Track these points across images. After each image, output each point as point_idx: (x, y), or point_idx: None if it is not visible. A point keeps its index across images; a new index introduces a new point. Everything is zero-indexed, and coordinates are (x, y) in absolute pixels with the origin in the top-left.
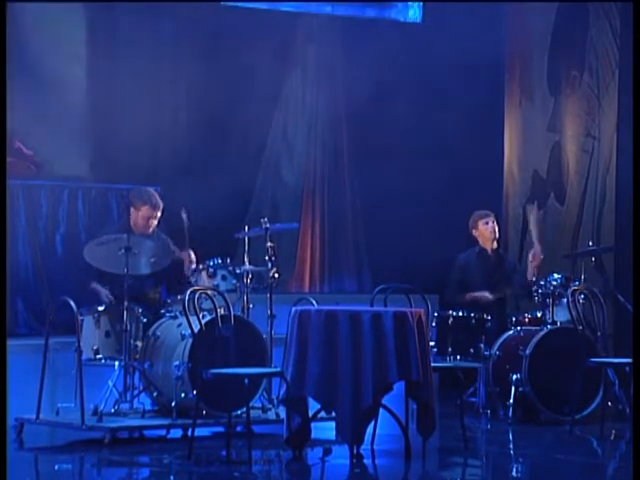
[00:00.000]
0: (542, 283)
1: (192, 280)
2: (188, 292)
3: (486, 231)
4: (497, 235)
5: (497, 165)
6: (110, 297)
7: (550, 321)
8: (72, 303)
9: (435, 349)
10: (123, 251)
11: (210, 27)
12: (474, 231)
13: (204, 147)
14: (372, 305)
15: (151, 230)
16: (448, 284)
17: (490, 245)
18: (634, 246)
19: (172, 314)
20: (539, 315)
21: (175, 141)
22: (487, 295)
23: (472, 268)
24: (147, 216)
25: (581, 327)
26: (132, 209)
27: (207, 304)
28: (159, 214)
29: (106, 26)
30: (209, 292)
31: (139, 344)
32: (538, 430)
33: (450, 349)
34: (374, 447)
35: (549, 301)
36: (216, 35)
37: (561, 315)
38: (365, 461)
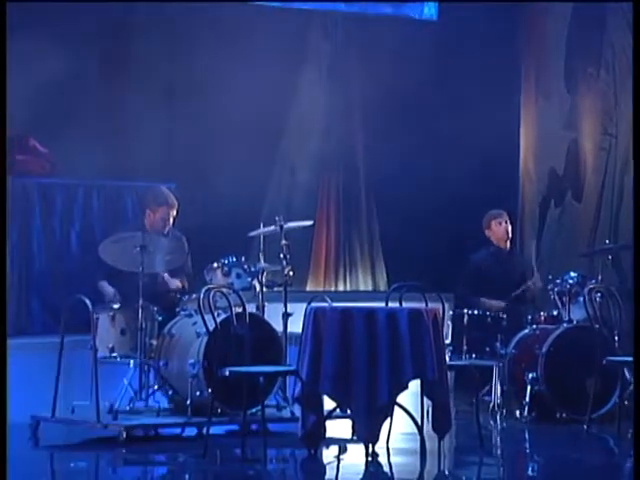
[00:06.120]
0: (558, 282)
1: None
2: (203, 290)
3: (499, 231)
4: (510, 235)
5: (513, 163)
6: (117, 296)
7: (566, 319)
8: (87, 301)
9: (450, 347)
10: (138, 249)
11: (223, 24)
12: (487, 231)
13: (218, 144)
14: (387, 303)
15: (167, 229)
16: (460, 284)
17: (504, 245)
18: (635, 248)
19: (187, 312)
20: (555, 313)
21: (189, 138)
22: (501, 305)
23: (487, 268)
24: (165, 216)
25: (598, 325)
26: (148, 211)
27: (222, 302)
28: (174, 212)
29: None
30: (224, 290)
31: (154, 342)
32: (554, 429)
33: (465, 347)
34: (389, 445)
35: (565, 299)
36: (228, 32)
37: (577, 313)
38: (380, 460)
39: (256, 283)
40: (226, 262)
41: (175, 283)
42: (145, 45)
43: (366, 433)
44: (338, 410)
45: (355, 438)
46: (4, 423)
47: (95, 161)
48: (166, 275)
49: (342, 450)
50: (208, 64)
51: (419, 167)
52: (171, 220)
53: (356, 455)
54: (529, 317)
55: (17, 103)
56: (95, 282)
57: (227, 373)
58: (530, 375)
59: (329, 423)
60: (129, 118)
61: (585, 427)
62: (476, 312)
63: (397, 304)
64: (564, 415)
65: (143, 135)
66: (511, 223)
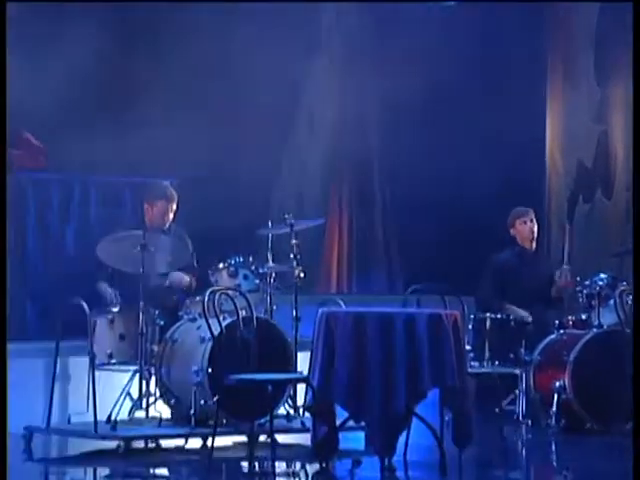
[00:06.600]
0: (587, 283)
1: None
2: (207, 293)
3: (524, 231)
4: (536, 235)
5: (539, 157)
6: (117, 299)
7: (596, 324)
8: (84, 304)
9: (472, 354)
10: (139, 249)
11: (226, 14)
12: (512, 230)
13: (224, 139)
14: (404, 307)
15: (167, 225)
16: (482, 286)
17: (529, 245)
18: (634, 248)
19: (191, 316)
20: (584, 317)
21: (193, 133)
22: (526, 317)
23: (510, 269)
24: (163, 211)
25: (629, 330)
26: (146, 205)
27: (228, 305)
28: (174, 207)
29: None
30: (230, 292)
31: (155, 348)
32: (583, 441)
33: (488, 354)
34: (406, 458)
35: (595, 302)
36: (232, 23)
37: (608, 317)
38: (397, 474)
39: (264, 285)
40: (232, 262)
41: (186, 279)
42: (147, 37)
43: (381, 445)
44: (351, 420)
45: (370, 450)
46: (4, 429)
47: (93, 155)
48: (177, 274)
49: (356, 463)
50: (213, 56)
51: (438, 161)
52: (171, 215)
53: (371, 469)
54: (556, 321)
55: (10, 94)
56: (94, 283)
57: (233, 381)
58: (557, 383)
59: (342, 434)
60: (131, 110)
61: (616, 438)
62: (499, 316)
63: (415, 308)
64: (594, 426)
65: (146, 128)
66: (537, 221)
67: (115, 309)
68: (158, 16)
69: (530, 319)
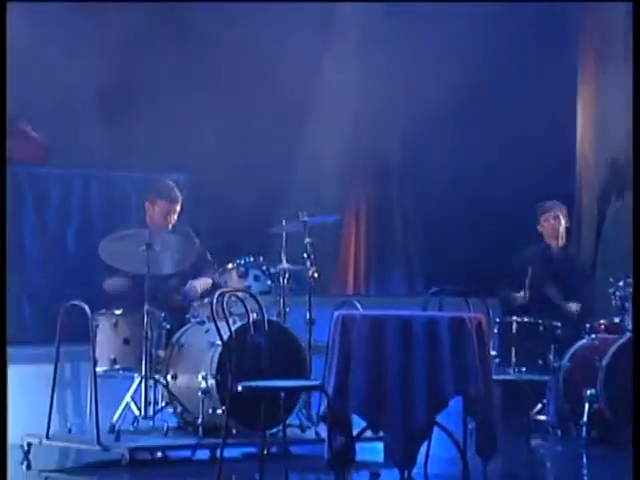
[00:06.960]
0: (620, 285)
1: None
2: (216, 294)
3: (548, 227)
4: (562, 231)
5: (569, 150)
6: (128, 281)
7: (630, 328)
8: (86, 306)
9: (497, 360)
10: (144, 248)
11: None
12: (539, 227)
13: (235, 131)
14: (425, 310)
15: (170, 226)
16: (504, 284)
17: (556, 242)
18: (634, 249)
19: (199, 319)
20: (617, 321)
21: (202, 126)
22: (519, 296)
23: (534, 267)
24: (164, 211)
25: None
26: (147, 203)
27: (238, 308)
28: (178, 208)
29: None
30: (240, 294)
31: (161, 353)
32: (616, 452)
33: (514, 360)
34: (427, 471)
35: (628, 305)
36: (242, 12)
37: None
38: None
39: (276, 286)
40: (243, 263)
41: (201, 285)
42: (153, 25)
43: (401, 456)
44: (369, 430)
45: (389, 462)
46: (4, 438)
47: (95, 148)
48: (192, 283)
49: (374, 476)
50: (224, 49)
51: (461, 158)
52: (174, 216)
53: None
54: (587, 325)
55: (10, 86)
56: (100, 282)
57: (243, 388)
58: (588, 391)
59: (359, 445)
60: (136, 100)
61: None
62: (526, 319)
63: (436, 310)
64: (627, 436)
65: (151, 120)
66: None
67: (118, 311)
68: (160, 15)
69: (525, 295)
